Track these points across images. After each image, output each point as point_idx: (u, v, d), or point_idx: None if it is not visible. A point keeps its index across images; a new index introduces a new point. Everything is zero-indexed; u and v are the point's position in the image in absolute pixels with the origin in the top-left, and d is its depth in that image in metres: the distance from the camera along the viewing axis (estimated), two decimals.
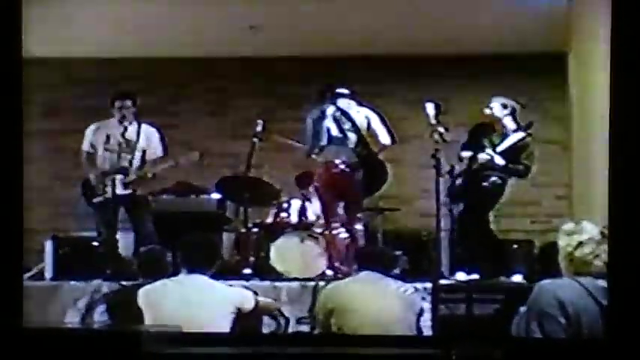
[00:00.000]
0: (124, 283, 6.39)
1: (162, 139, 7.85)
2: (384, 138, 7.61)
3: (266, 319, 6.12)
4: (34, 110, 9.46)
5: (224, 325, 5.16)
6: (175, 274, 5.55)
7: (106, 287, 6.74)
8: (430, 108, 7.03)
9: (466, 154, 7.36)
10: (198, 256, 5.38)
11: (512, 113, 7.42)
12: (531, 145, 7.34)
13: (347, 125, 7.59)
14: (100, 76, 9.99)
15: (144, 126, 7.75)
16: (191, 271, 5.34)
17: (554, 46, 9.32)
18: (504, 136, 7.31)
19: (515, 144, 7.24)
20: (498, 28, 8.98)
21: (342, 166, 7.56)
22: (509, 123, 7.36)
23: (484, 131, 7.45)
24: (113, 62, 10.03)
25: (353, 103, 7.71)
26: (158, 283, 5.35)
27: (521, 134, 7.28)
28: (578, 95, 8.94)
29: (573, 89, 9.29)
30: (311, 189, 8.30)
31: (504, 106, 7.42)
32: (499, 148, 7.23)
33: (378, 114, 7.69)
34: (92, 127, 7.84)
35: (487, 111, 7.45)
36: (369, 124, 7.61)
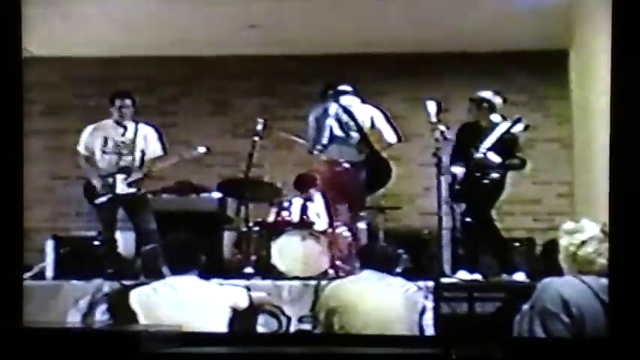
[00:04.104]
0: (125, 282, 6.38)
1: (160, 138, 7.83)
2: (390, 136, 7.61)
3: (268, 318, 6.11)
4: (34, 109, 9.48)
5: (220, 326, 5.13)
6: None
7: (107, 287, 6.72)
8: (431, 106, 7.02)
9: (458, 169, 7.27)
10: (180, 258, 5.29)
11: (492, 108, 7.35)
12: (520, 136, 7.27)
13: (349, 123, 7.59)
14: (100, 76, 9.98)
15: (141, 125, 7.73)
16: (174, 272, 5.27)
17: (556, 44, 9.33)
18: (491, 131, 7.25)
19: (503, 138, 7.18)
20: (499, 26, 8.97)
21: (345, 165, 7.55)
22: (494, 118, 7.31)
23: (470, 130, 7.39)
24: (113, 61, 10.02)
25: (357, 100, 7.70)
26: (148, 287, 5.28)
27: (506, 124, 7.22)
28: (579, 93, 8.95)
29: (574, 87, 9.30)
30: (312, 191, 8.29)
31: (480, 103, 7.36)
32: (487, 143, 7.19)
33: (383, 112, 7.68)
34: (88, 129, 7.78)
35: (472, 105, 7.41)
36: (372, 123, 7.60)
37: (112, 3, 8.46)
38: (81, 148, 7.73)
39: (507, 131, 7.14)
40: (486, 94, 7.39)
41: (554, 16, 8.48)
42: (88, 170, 7.68)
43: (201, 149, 7.86)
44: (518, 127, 7.16)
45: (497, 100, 7.36)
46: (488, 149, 7.15)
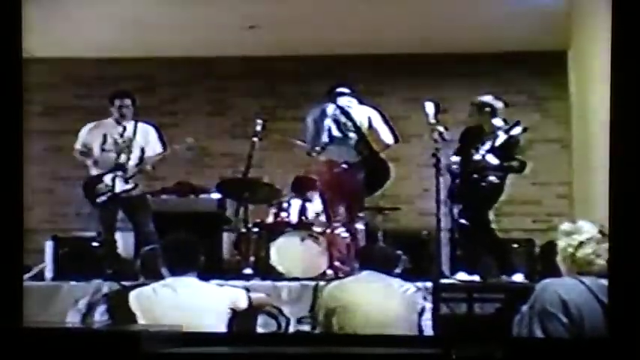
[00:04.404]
0: (124, 283, 6.37)
1: (160, 136, 7.84)
2: (387, 137, 7.61)
3: (267, 319, 6.10)
4: (34, 110, 9.48)
5: (220, 326, 5.11)
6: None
7: (106, 287, 6.72)
8: (429, 107, 7.02)
9: (455, 159, 7.29)
10: (179, 259, 5.27)
11: (494, 112, 7.34)
12: (522, 139, 7.28)
13: (348, 124, 7.59)
14: (100, 76, 9.99)
15: (140, 124, 7.75)
16: (174, 273, 5.26)
17: (554, 44, 9.33)
18: (492, 134, 7.25)
19: (505, 141, 7.19)
20: (498, 27, 8.98)
21: (344, 166, 7.55)
22: (496, 122, 7.31)
23: (473, 134, 7.40)
24: (113, 62, 10.03)
25: (354, 101, 7.70)
26: (148, 288, 5.27)
27: (506, 127, 7.22)
28: (577, 94, 8.95)
29: (573, 88, 9.30)
30: (310, 193, 8.29)
31: (481, 107, 7.36)
32: (487, 145, 7.19)
33: (380, 112, 7.68)
34: (87, 126, 7.80)
35: (475, 108, 7.39)
36: (370, 123, 7.60)
37: (111, 4, 8.46)
38: (78, 144, 7.73)
39: (506, 133, 7.14)
40: (487, 98, 7.39)
41: (553, 17, 8.49)
42: (88, 167, 7.69)
43: (190, 139, 7.83)
44: (517, 130, 7.17)
45: (499, 104, 7.36)
46: (487, 151, 7.15)
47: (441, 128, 6.93)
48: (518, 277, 7.06)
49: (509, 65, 9.89)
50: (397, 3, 8.46)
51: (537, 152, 8.91)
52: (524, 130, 7.21)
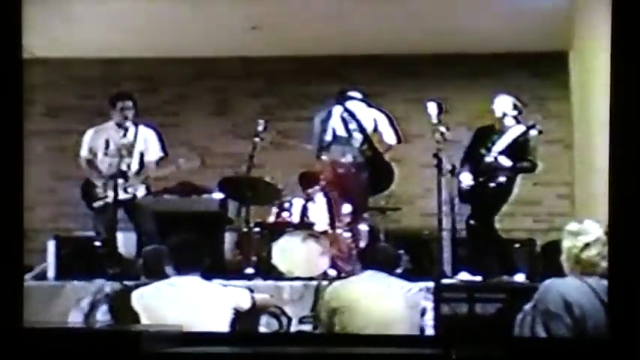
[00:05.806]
0: (126, 282, 6.38)
1: (160, 139, 7.83)
2: (390, 138, 7.62)
3: (268, 318, 6.11)
4: (34, 110, 9.49)
5: (223, 326, 5.12)
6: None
7: (108, 287, 6.72)
8: (432, 107, 7.03)
9: (466, 177, 7.30)
10: (186, 259, 5.30)
11: (519, 114, 7.40)
12: (533, 139, 7.29)
13: (353, 125, 7.59)
14: (100, 76, 9.99)
15: (141, 127, 7.72)
16: (179, 272, 5.27)
17: (556, 45, 9.32)
18: (502, 134, 7.28)
19: (516, 140, 7.20)
20: (500, 28, 8.97)
21: (348, 165, 7.55)
22: (510, 122, 7.33)
23: (486, 133, 7.42)
24: (113, 62, 10.02)
25: (363, 105, 7.71)
26: (151, 286, 5.28)
27: (520, 128, 7.25)
28: (579, 94, 8.95)
29: (574, 88, 9.30)
30: (316, 188, 8.29)
31: (515, 106, 7.40)
32: (499, 146, 7.20)
33: (387, 115, 7.69)
34: (90, 132, 7.78)
35: (495, 108, 7.39)
36: (376, 126, 7.62)
37: (113, 4, 8.46)
38: (84, 152, 7.74)
39: (521, 136, 7.16)
40: (503, 98, 7.40)
41: (554, 18, 8.48)
42: (90, 175, 7.68)
43: (197, 162, 7.86)
44: (532, 133, 7.20)
45: (515, 105, 7.40)
46: (500, 153, 7.18)
47: (443, 128, 6.94)
48: (520, 277, 7.06)
49: (510, 65, 9.87)
50: (398, 3, 8.46)
51: (539, 152, 8.91)
52: (540, 132, 7.24)
